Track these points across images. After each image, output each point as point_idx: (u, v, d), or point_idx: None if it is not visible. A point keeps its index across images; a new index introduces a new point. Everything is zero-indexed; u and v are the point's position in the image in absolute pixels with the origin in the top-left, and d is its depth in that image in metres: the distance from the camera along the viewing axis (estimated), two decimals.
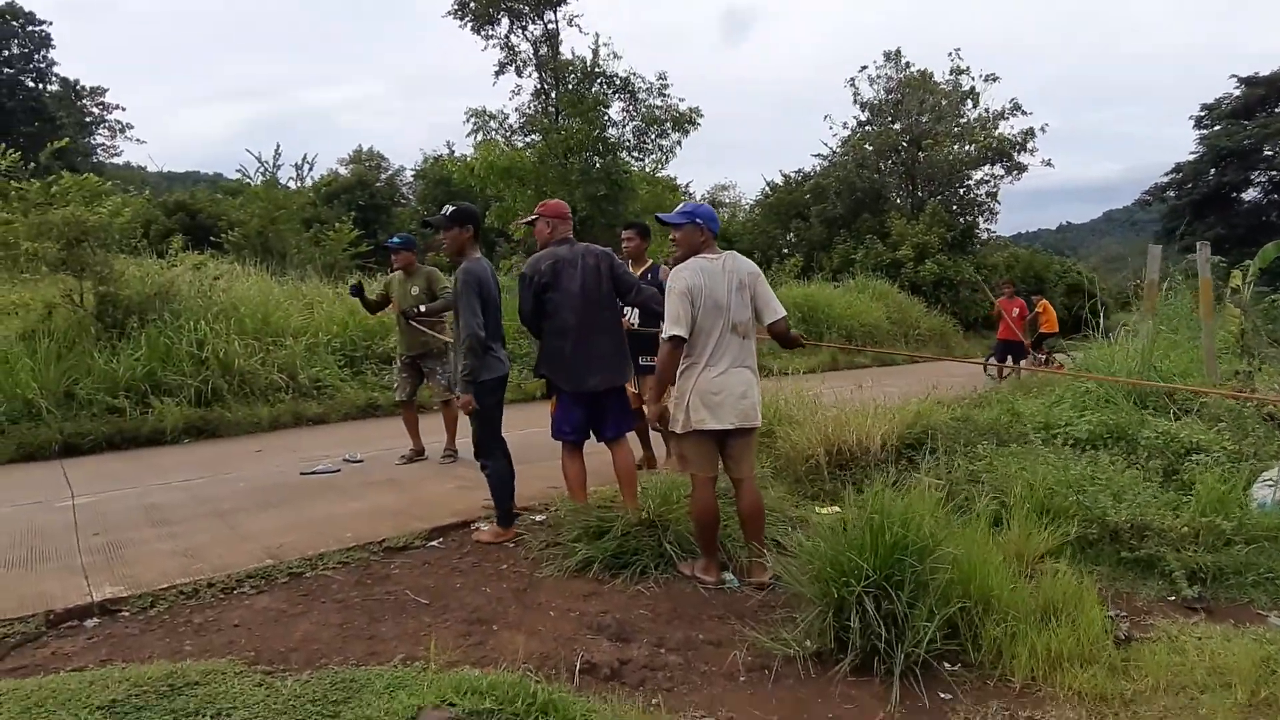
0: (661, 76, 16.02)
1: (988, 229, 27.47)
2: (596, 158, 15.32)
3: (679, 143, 16.53)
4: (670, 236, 3.99)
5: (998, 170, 25.50)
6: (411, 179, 27.60)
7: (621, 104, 15.70)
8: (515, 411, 6.07)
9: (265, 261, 12.70)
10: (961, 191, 27.18)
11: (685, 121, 16.19)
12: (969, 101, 26.42)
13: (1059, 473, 4.76)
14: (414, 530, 4.63)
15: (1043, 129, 24.62)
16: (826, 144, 31.20)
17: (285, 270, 12.39)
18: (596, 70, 15.35)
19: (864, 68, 27.52)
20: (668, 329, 3.71)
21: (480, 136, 15.76)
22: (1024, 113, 24.82)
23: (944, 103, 26.62)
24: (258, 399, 8.48)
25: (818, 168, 29.96)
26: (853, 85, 27.61)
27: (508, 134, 15.90)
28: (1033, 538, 4.09)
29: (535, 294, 4.45)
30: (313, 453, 7.13)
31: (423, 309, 6.41)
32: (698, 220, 3.86)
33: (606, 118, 15.58)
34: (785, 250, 28.92)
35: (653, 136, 16.34)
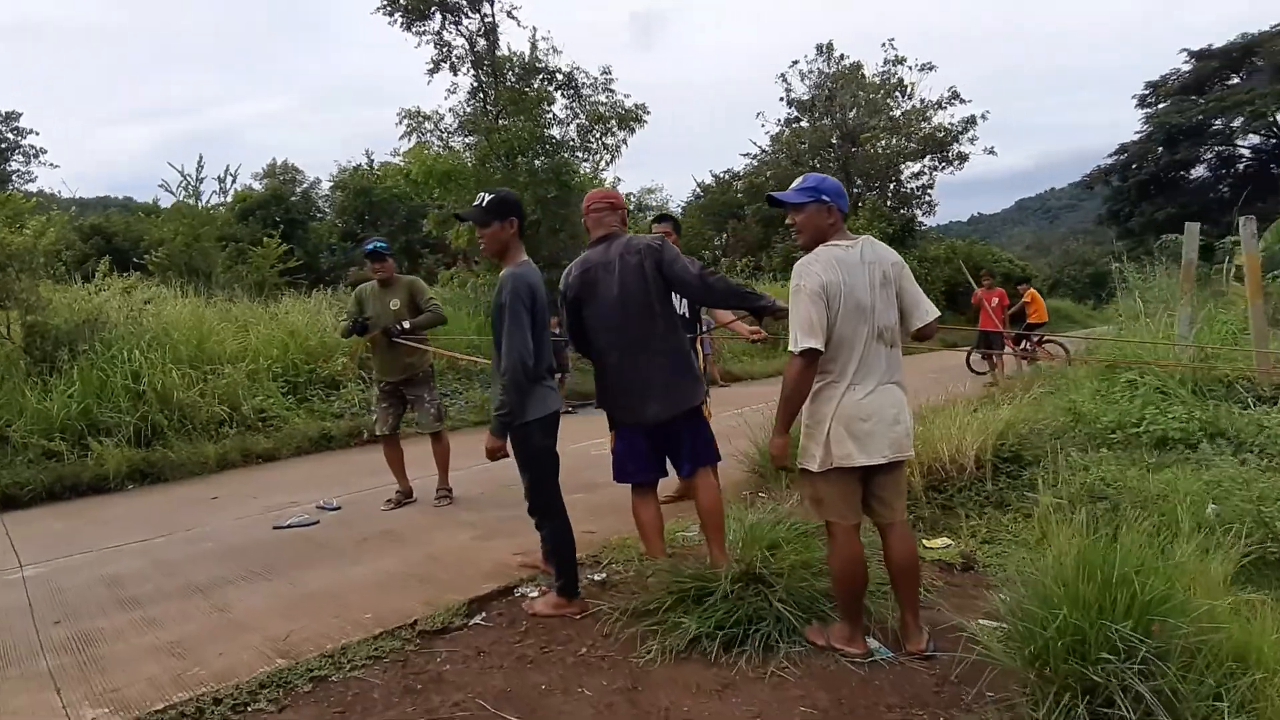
0: (606, 71, 15.16)
1: (923, 222, 27.61)
2: (542, 158, 14.36)
3: (624, 141, 15.69)
4: (788, 221, 3.12)
5: (937, 162, 25.56)
6: (328, 191, 26.02)
7: (565, 101, 14.78)
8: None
9: (190, 282, 11.39)
10: (893, 186, 27.27)
11: (631, 119, 15.36)
12: (898, 93, 26.52)
13: (1198, 482, 4.13)
14: (447, 604, 3.64)
15: (983, 116, 24.84)
16: (756, 143, 31.06)
17: (211, 290, 11.12)
18: (538, 65, 14.39)
19: (795, 62, 27.40)
20: (798, 339, 2.83)
21: (414, 139, 14.56)
22: (962, 101, 24.96)
23: (876, 95, 26.63)
24: (200, 435, 7.55)
25: (749, 167, 29.74)
26: (784, 81, 27.45)
27: (444, 135, 14.74)
28: (1210, 562, 3.41)
29: (570, 311, 3.61)
30: (275, 498, 6.16)
31: (407, 325, 5.42)
32: (824, 198, 3.00)
33: (550, 115, 14.64)
34: (718, 251, 28.58)
35: (597, 135, 15.45)
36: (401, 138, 14.77)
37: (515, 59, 14.40)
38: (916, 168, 26.19)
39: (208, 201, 16.89)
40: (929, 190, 26.68)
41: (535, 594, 3.81)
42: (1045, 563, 2.96)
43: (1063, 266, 41.52)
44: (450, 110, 14.57)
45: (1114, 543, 2.80)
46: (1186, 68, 25.43)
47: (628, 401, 3.54)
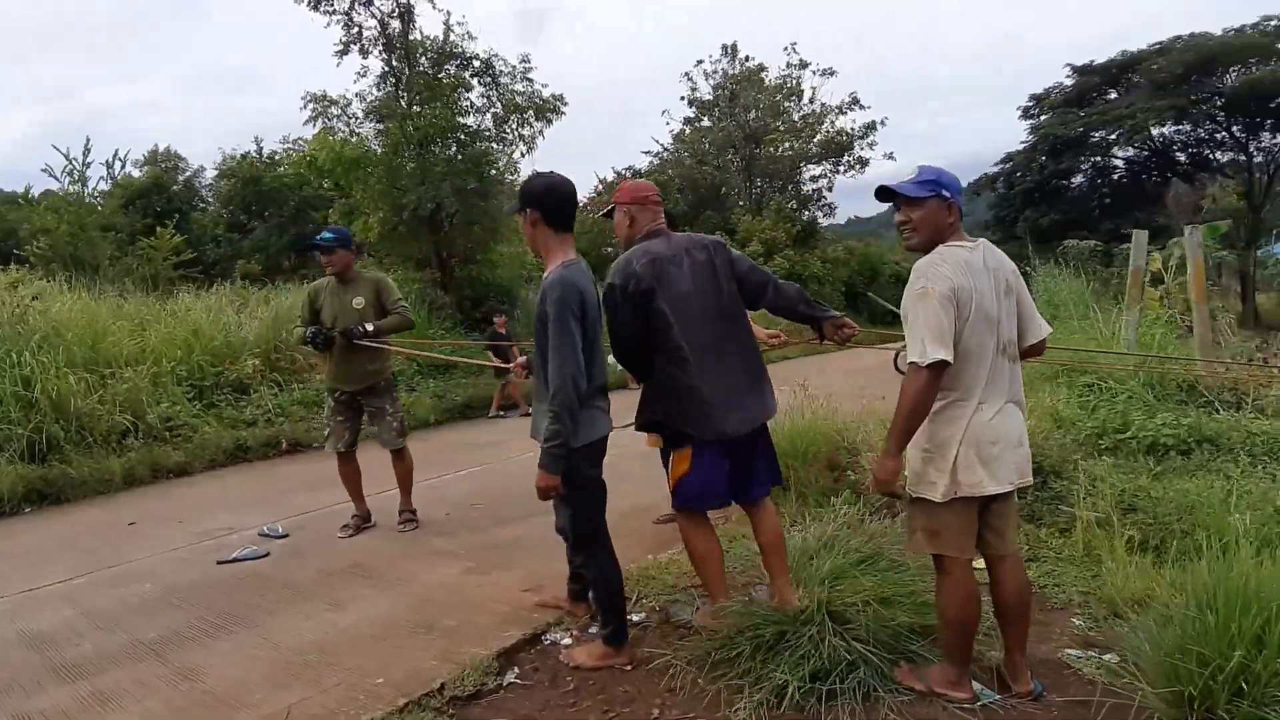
0: (525, 59, 14.49)
1: (826, 223, 28.16)
2: (458, 148, 13.58)
3: (541, 132, 15.07)
4: (899, 218, 2.75)
5: (840, 165, 26.07)
6: (212, 179, 24.01)
7: (482, 89, 14.01)
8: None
9: (77, 276, 10.04)
10: (790, 188, 27.67)
11: (549, 109, 14.76)
12: (795, 97, 26.92)
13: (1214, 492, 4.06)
14: (471, 660, 3.08)
15: (882, 123, 25.50)
16: (658, 140, 30.92)
17: (100, 285, 9.83)
18: (455, 50, 13.58)
19: (700, 62, 27.33)
20: (926, 349, 2.47)
21: (319, 125, 13.45)
22: (862, 107, 25.54)
23: (776, 98, 26.94)
24: (101, 448, 6.62)
25: (651, 164, 29.54)
26: (689, 80, 27.39)
27: (351, 121, 13.69)
28: None
29: (636, 307, 3.07)
30: (203, 523, 5.39)
31: (370, 327, 4.76)
32: (945, 193, 2.66)
33: (468, 102, 13.86)
34: (610, 249, 28.31)
35: (513, 125, 14.77)
36: (306, 123, 13.60)
37: (429, 43, 13.56)
38: (818, 171, 26.67)
39: (94, 188, 15.28)
40: (827, 193, 27.24)
41: (568, 641, 3.32)
42: (1174, 594, 2.77)
43: None
44: (357, 95, 13.55)
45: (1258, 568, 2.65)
46: (1069, 82, 27.08)
47: (710, 410, 3.05)
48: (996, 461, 2.59)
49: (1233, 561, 3.10)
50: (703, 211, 26.47)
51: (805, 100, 26.39)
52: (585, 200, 30.56)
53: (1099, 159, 27.28)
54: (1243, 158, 24.55)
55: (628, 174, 30.52)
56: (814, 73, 26.23)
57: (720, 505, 3.26)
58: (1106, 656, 3.04)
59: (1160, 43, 24.48)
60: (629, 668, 3.05)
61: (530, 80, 14.25)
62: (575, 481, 2.92)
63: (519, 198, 3.04)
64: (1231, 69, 23.45)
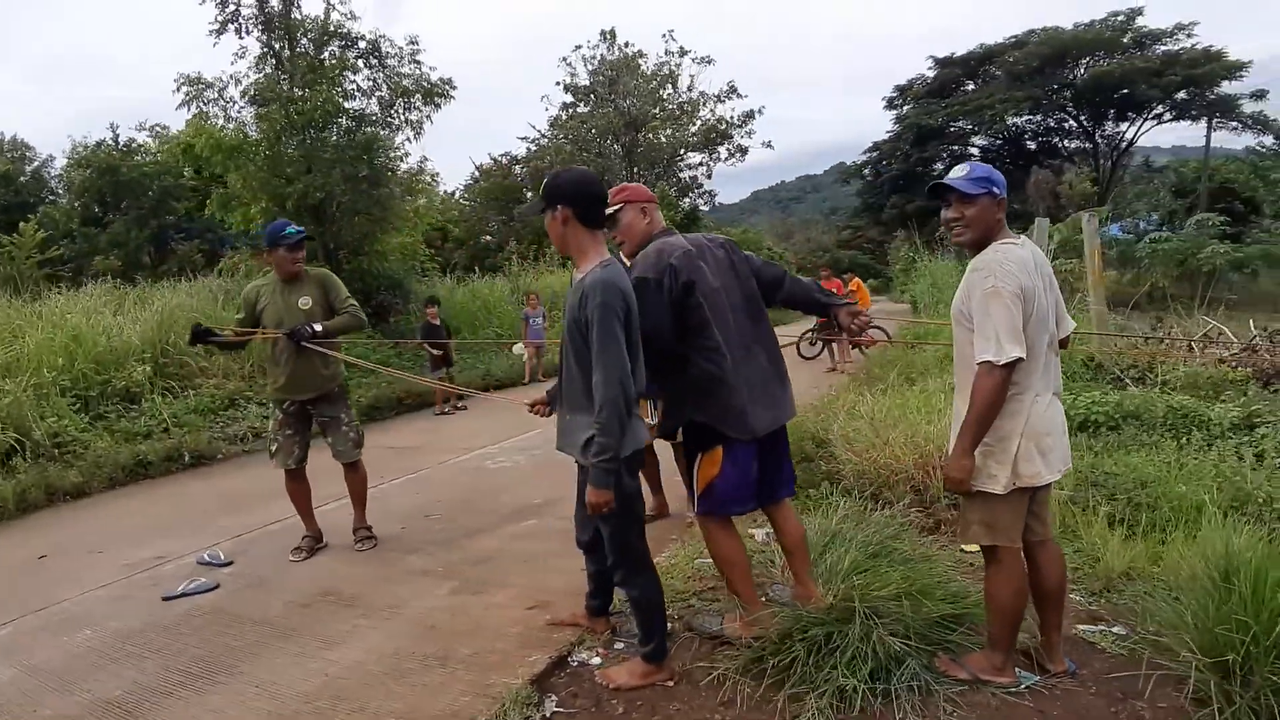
0: (413, 41, 13.85)
1: (704, 211, 28.60)
2: (345, 133, 12.84)
3: (429, 117, 14.49)
4: (951, 214, 2.76)
5: (722, 153, 26.52)
6: (62, 170, 21.65)
7: (369, 71, 13.30)
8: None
9: None
10: (671, 176, 27.97)
11: (437, 94, 14.19)
12: (669, 85, 27.19)
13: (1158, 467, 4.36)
14: (505, 693, 2.89)
15: (760, 111, 26.07)
16: (536, 126, 30.48)
17: None
18: (339, 30, 12.81)
19: (578, 47, 27.08)
20: (1002, 348, 2.50)
21: (195, 109, 12.37)
22: (740, 95, 26.02)
23: (652, 84, 27.09)
24: None
25: (529, 150, 29.11)
26: (567, 64, 27.14)
27: (229, 105, 12.69)
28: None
29: (674, 302, 2.96)
30: (126, 552, 4.89)
31: (319, 327, 4.41)
32: (996, 190, 2.70)
33: (354, 85, 13.12)
34: (489, 237, 27.74)
35: (400, 110, 14.11)
36: (179, 107, 12.50)
37: (310, 23, 12.73)
38: (698, 159, 27.07)
39: None
40: (706, 180, 27.72)
41: (598, 660, 3.18)
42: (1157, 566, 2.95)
43: (807, 253, 45.50)
44: (233, 78, 12.56)
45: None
46: (931, 73, 28.68)
47: (745, 408, 2.98)
48: (1052, 452, 2.69)
49: (1215, 533, 3.37)
50: None
51: (684, 88, 26.67)
52: (461, 187, 29.86)
53: (957, 147, 29.10)
54: (1088, 145, 26.82)
55: (505, 159, 29.98)
56: (693, 60, 26.53)
57: (750, 509, 3.19)
58: (1115, 629, 3.22)
59: (1016, 36, 26.41)
60: (671, 683, 2.96)
61: (419, 63, 13.68)
62: (618, 496, 2.77)
63: (543, 194, 2.82)
64: (1082, 61, 25.56)
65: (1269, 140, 31.14)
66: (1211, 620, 2.63)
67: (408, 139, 14.48)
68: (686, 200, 26.93)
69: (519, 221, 26.86)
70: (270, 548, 4.83)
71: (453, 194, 31.03)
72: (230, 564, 4.57)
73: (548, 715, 2.82)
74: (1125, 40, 25.55)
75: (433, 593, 3.95)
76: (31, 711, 3.04)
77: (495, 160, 29.93)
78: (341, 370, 4.73)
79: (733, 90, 25.90)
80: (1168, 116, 26.92)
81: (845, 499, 4.21)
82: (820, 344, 12.69)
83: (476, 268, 19.71)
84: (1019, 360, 2.52)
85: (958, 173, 2.73)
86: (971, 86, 28.02)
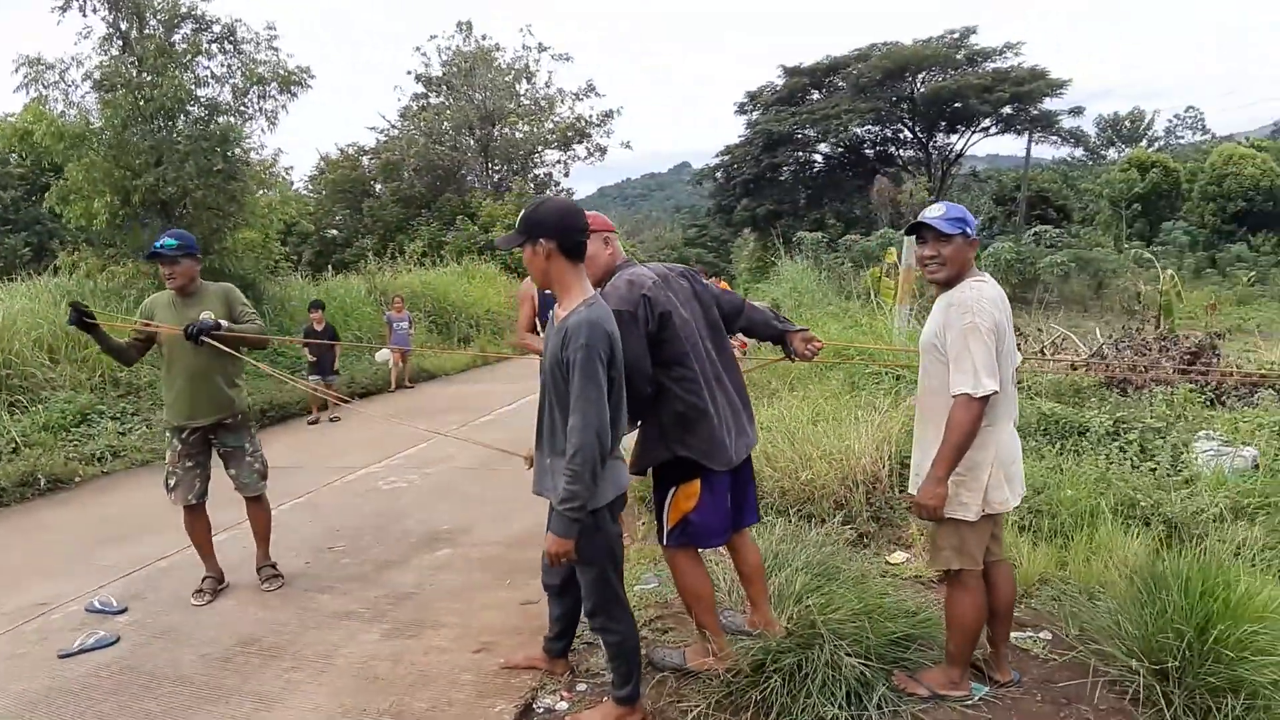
0: (270, 27, 12.91)
1: None
2: (199, 123, 11.79)
3: (284, 107, 13.57)
4: (928, 252, 2.83)
5: (580, 151, 26.43)
6: None
7: (223, 56, 12.24)
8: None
9: None
10: (529, 173, 27.66)
11: (294, 82, 13.31)
12: (524, 80, 26.89)
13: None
14: None
15: (619, 111, 26.20)
16: (385, 117, 29.27)
17: None
18: (192, 12, 11.73)
19: (434, 36, 26.25)
20: (981, 382, 2.62)
21: (35, 92, 10.99)
22: (599, 94, 26.05)
23: (508, 77, 26.66)
24: None
25: (379, 142, 27.91)
26: (421, 54, 26.19)
27: (71, 89, 11.38)
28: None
29: (651, 334, 2.89)
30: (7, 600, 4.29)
31: (224, 323, 4.06)
32: (969, 231, 2.82)
33: (207, 71, 12.05)
34: (336, 232, 26.47)
35: (254, 98, 13.14)
36: (17, 89, 11.11)
37: (160, 2, 11.63)
38: (557, 156, 26.89)
39: None
40: (563, 179, 27.62)
41: (564, 704, 3.07)
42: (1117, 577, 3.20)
43: (655, 250, 46.42)
44: (75, 60, 11.28)
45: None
46: (780, 81, 29.89)
47: (722, 438, 2.96)
48: (1015, 479, 2.87)
49: (1118, 538, 3.69)
50: (442, 193, 25.58)
51: (542, 83, 26.41)
52: (306, 178, 28.16)
53: (802, 154, 30.59)
54: (921, 155, 28.88)
55: (352, 150, 28.53)
56: (552, 57, 26.32)
57: (725, 540, 3.17)
58: (1042, 634, 3.45)
59: (860, 49, 28.01)
60: None
61: (276, 50, 12.76)
62: (598, 542, 2.68)
63: (523, 226, 2.64)
64: (919, 76, 27.48)
65: (1079, 152, 35.08)
66: (1151, 628, 2.86)
67: (261, 129, 13.52)
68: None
69: (370, 217, 25.70)
70: (165, 590, 4.38)
71: (292, 186, 29.16)
72: (124, 611, 4.11)
73: None
74: (959, 57, 27.80)
75: (363, 637, 3.68)
76: None
77: (343, 151, 28.43)
78: (245, 396, 4.33)
79: (591, 89, 25.96)
80: (994, 129, 29.56)
81: (779, 518, 4.28)
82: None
83: (329, 266, 18.65)
84: (993, 394, 2.64)
85: (934, 212, 2.83)
86: (817, 96, 29.55)
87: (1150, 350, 7.36)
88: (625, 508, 3.00)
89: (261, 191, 13.96)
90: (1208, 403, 6.16)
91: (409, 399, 11.34)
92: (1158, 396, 6.07)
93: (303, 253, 22.69)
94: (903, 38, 28.78)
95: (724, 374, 3.10)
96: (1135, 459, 5.01)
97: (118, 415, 8.42)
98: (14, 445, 6.94)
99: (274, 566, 4.43)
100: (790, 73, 29.73)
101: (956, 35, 27.83)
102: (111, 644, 3.73)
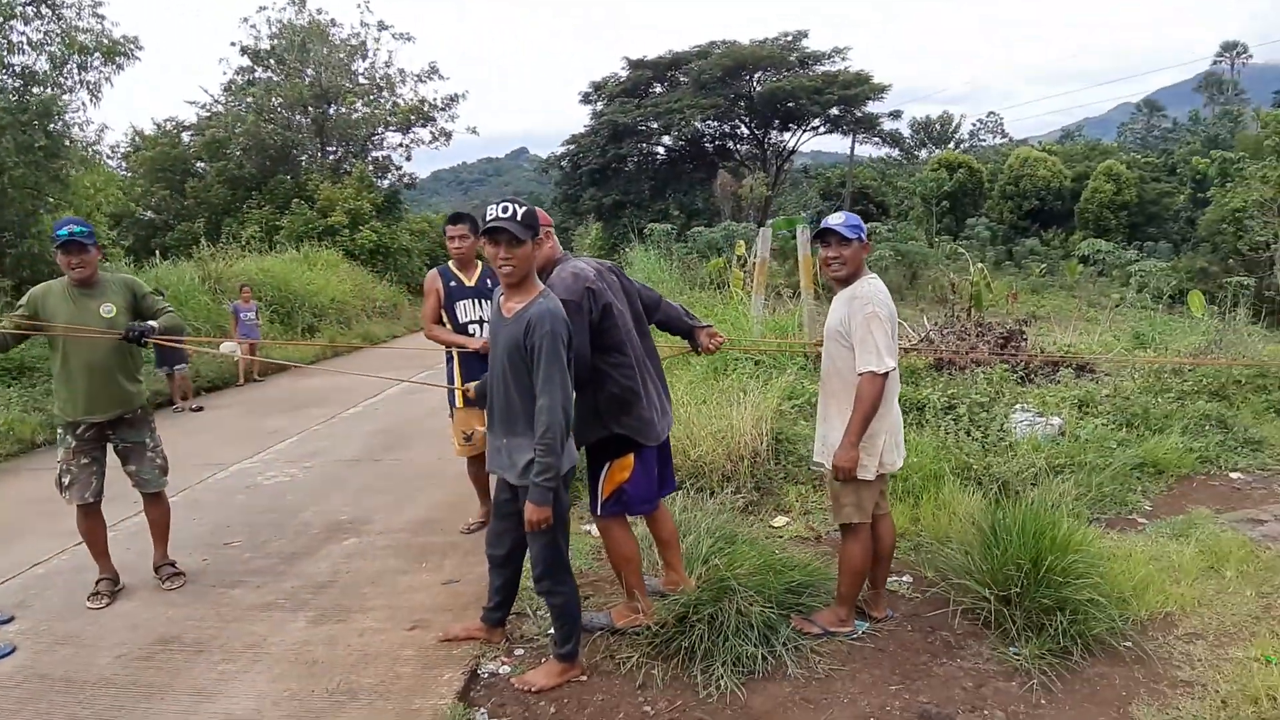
0: None
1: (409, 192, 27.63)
2: (15, 94, 10.68)
3: (109, 79, 12.55)
4: (831, 253, 3.29)
5: (424, 135, 25.74)
6: None
7: (39, 22, 11.10)
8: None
9: None
10: (368, 155, 26.70)
11: (120, 53, 12.32)
12: (360, 57, 25.93)
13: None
14: (437, 714, 2.98)
15: (464, 95, 25.69)
16: (208, 91, 27.29)
17: None
18: None
19: (263, 8, 24.60)
20: (884, 360, 3.14)
21: None
22: (442, 77, 25.46)
23: (342, 55, 25.57)
24: None
25: (201, 118, 25.99)
26: (249, 25, 24.54)
27: None
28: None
29: (593, 323, 3.21)
30: None
31: (156, 325, 4.00)
32: (863, 237, 3.33)
33: (22, 38, 10.91)
34: (154, 214, 24.53)
35: (74, 69, 12.07)
36: None
37: None
38: (399, 139, 26.09)
39: None
40: (405, 163, 26.83)
41: (506, 668, 3.33)
42: (965, 527, 3.86)
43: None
44: None
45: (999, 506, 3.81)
46: (624, 73, 30.39)
47: (653, 418, 3.33)
48: (900, 445, 3.45)
49: (959, 497, 4.38)
50: (274, 174, 24.22)
51: (382, 62, 25.51)
52: (119, 157, 25.73)
53: (645, 146, 31.38)
54: (757, 151, 30.36)
55: (171, 125, 26.36)
56: (393, 36, 25.47)
57: (652, 508, 3.53)
58: (905, 579, 4.07)
59: (700, 45, 29.00)
60: (584, 678, 3.23)
61: (101, 17, 11.77)
62: (557, 512, 2.98)
63: (528, 222, 2.87)
64: (756, 75, 28.81)
65: (896, 153, 38.34)
66: (996, 563, 3.50)
67: (83, 103, 12.43)
68: (386, 181, 25.88)
69: (194, 199, 23.90)
70: (51, 596, 4.17)
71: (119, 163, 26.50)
72: (11, 620, 3.89)
73: None
74: (792, 59, 29.45)
75: (290, 626, 3.74)
76: None
77: (160, 126, 26.19)
78: (144, 390, 4.22)
79: (434, 71, 25.37)
80: (823, 129, 31.58)
81: (676, 493, 4.69)
82: None
83: (154, 251, 17.28)
84: (892, 370, 3.17)
85: (836, 219, 3.33)
86: (660, 89, 30.38)
87: (970, 335, 8.40)
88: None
89: (82, 170, 12.85)
90: (1019, 380, 7.17)
91: (262, 391, 10.91)
92: (979, 376, 6.99)
93: (119, 236, 20.83)
94: (741, 38, 30.23)
95: (649, 360, 3.46)
96: (967, 430, 5.84)
97: None
98: None
99: (173, 565, 4.35)
100: (634, 65, 30.42)
101: (790, 38, 29.59)
102: (9, 654, 3.57)
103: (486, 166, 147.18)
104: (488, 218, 2.87)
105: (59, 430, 4.11)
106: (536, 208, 3.14)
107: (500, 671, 3.32)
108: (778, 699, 3.06)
